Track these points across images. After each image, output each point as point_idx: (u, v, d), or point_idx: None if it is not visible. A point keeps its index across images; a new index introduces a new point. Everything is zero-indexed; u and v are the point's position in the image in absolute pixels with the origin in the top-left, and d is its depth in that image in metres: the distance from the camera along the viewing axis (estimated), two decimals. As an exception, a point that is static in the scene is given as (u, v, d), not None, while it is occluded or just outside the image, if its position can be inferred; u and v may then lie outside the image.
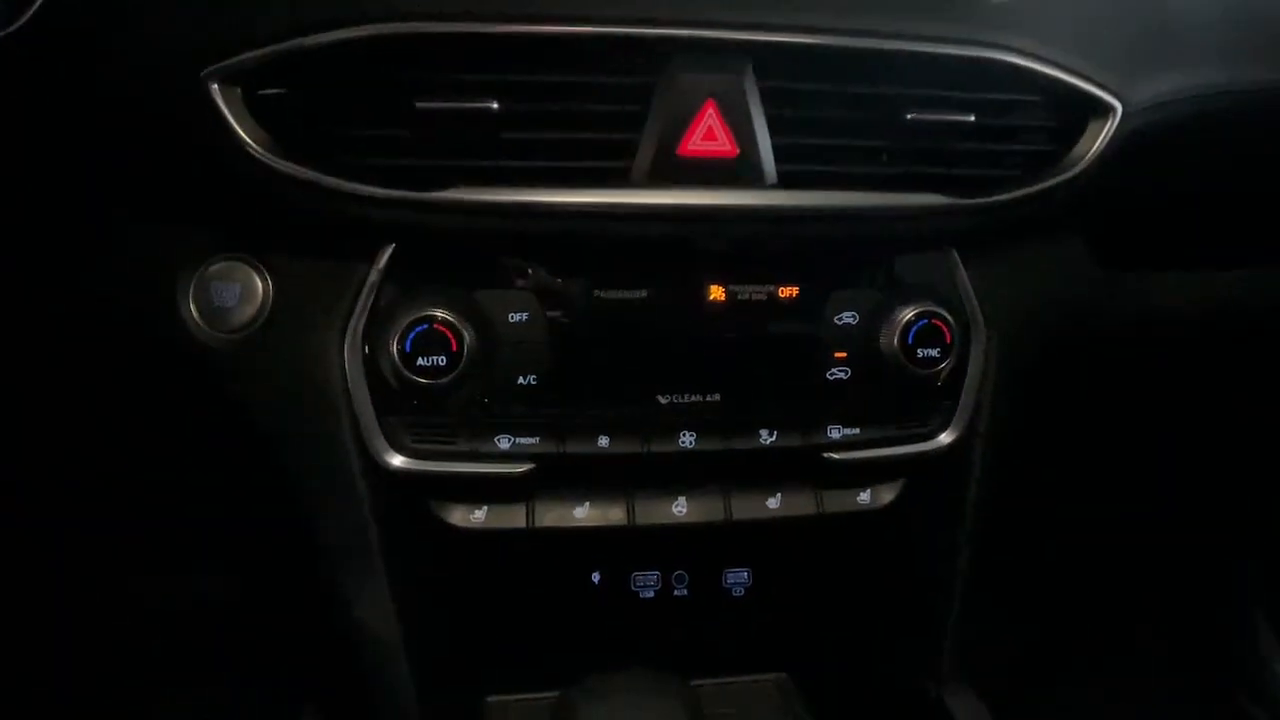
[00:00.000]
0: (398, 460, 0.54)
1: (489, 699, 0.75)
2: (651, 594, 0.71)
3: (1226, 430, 0.95)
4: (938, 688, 0.64)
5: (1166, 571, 1.21)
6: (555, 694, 0.68)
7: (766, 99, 0.47)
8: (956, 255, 0.58)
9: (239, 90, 0.43)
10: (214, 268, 0.52)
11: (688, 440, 0.58)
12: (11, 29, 0.41)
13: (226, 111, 0.43)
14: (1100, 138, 0.51)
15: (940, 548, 0.65)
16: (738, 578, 0.73)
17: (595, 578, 0.70)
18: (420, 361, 0.50)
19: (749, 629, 0.77)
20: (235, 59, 0.42)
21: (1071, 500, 0.96)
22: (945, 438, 0.61)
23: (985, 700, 0.63)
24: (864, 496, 0.64)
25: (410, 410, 0.53)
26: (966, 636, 0.65)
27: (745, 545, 0.71)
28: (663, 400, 0.56)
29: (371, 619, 0.58)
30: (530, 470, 0.56)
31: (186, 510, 0.87)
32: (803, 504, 0.63)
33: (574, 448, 0.56)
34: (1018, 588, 0.94)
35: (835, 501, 0.63)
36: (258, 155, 0.44)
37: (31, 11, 0.41)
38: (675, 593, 0.72)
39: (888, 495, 0.64)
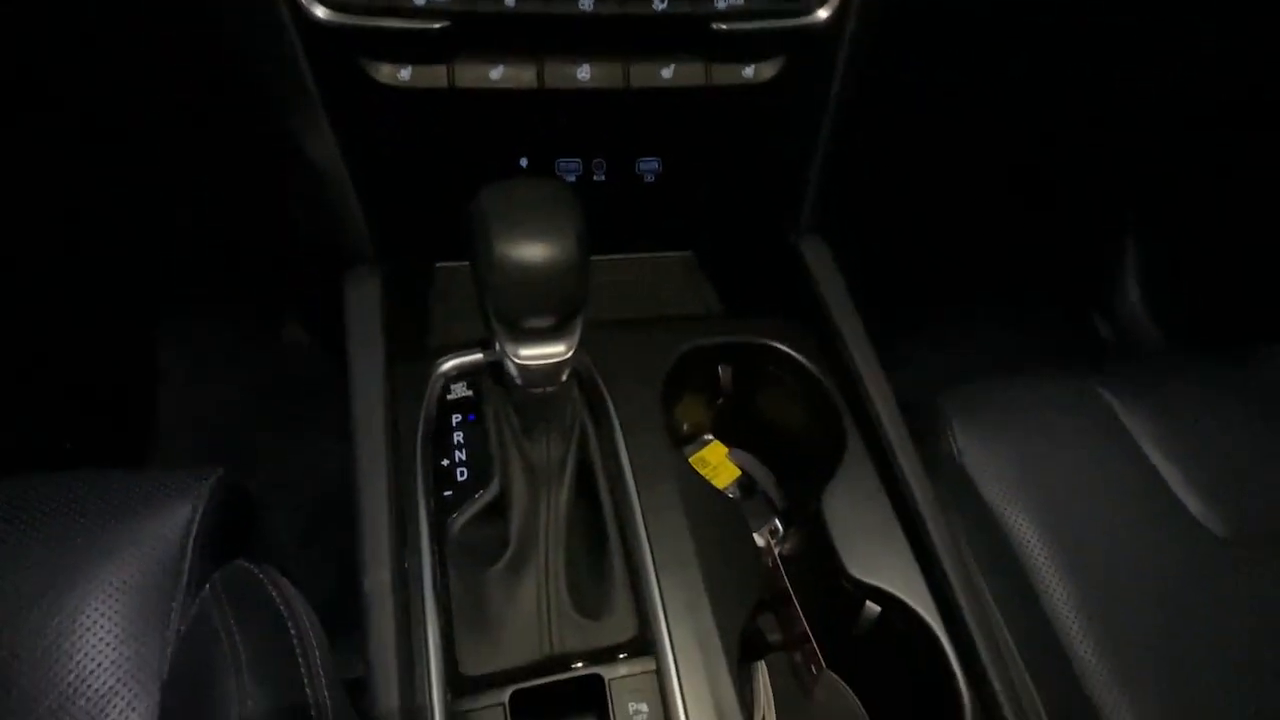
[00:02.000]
0: (322, 11, 0.60)
1: (438, 264, 0.89)
2: (574, 178, 0.82)
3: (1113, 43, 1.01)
4: (797, 238, 0.79)
5: (1032, 186, 1.36)
6: None
7: None
8: None
9: None
10: None
11: (586, 2, 0.65)
12: None
13: None
14: None
15: (810, 120, 0.76)
16: (649, 165, 0.84)
17: (524, 163, 0.80)
18: None
19: (659, 212, 0.90)
20: None
21: (940, 97, 1.05)
22: (823, 13, 0.68)
23: (833, 248, 0.78)
24: (748, 71, 0.72)
25: None
26: (827, 197, 0.79)
27: (654, 136, 0.81)
28: None
29: (323, 170, 0.68)
30: (446, 28, 0.63)
31: (151, 114, 0.93)
32: (693, 75, 0.71)
33: (483, 6, 0.63)
34: (879, 170, 1.07)
35: (723, 74, 0.72)
36: None
37: None
38: (595, 178, 0.83)
39: (769, 71, 0.73)
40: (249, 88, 0.65)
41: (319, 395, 1.33)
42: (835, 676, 0.67)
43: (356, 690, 0.54)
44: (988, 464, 0.76)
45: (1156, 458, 0.81)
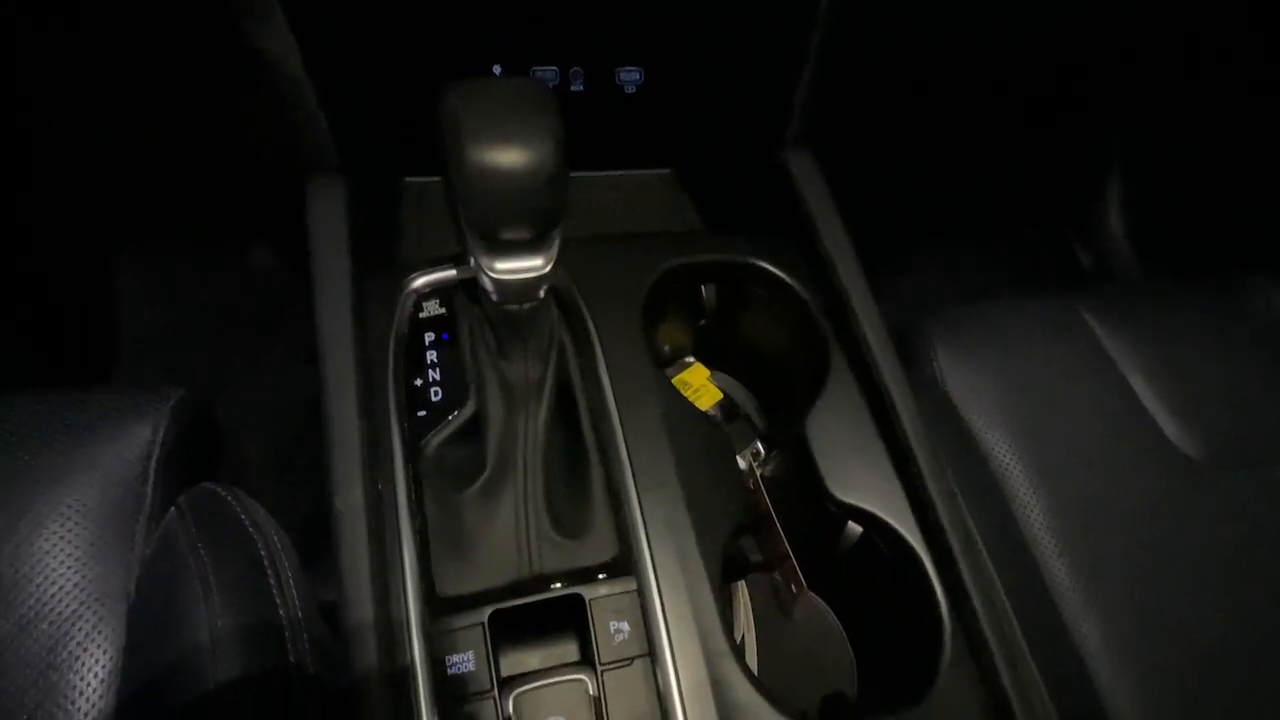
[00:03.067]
0: None
1: (407, 179, 0.85)
2: (550, 87, 0.77)
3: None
4: (784, 152, 0.76)
5: (1020, 105, 1.33)
6: None
7: None
8: None
9: None
10: None
11: None
12: None
13: None
14: None
15: (801, 21, 0.72)
16: (630, 75, 0.80)
17: (497, 70, 0.75)
18: None
19: (639, 126, 0.85)
20: None
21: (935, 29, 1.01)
22: None
23: (821, 162, 0.75)
24: None
25: None
26: (816, 109, 0.75)
27: (637, 41, 0.76)
28: None
29: (280, 69, 0.63)
30: None
31: None
32: None
33: None
34: (868, 83, 1.04)
35: None
36: None
37: None
38: (572, 88, 0.78)
39: None
40: None
41: (287, 319, 1.29)
42: (815, 596, 0.68)
43: (330, 613, 0.53)
44: (970, 388, 0.76)
45: (1136, 381, 0.81)
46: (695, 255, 0.71)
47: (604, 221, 0.84)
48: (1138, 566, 0.70)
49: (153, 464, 0.61)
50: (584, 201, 0.82)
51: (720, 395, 0.77)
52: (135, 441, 0.61)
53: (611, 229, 0.79)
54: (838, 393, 0.65)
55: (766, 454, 0.73)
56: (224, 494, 0.58)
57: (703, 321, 0.75)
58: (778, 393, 0.76)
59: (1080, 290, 0.88)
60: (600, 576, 0.54)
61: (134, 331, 1.24)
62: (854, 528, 0.63)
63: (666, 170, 0.93)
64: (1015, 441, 0.74)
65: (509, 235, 0.51)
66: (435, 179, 0.86)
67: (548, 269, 0.53)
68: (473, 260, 0.53)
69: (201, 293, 1.32)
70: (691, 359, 0.79)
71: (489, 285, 0.54)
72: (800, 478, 0.65)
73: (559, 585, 0.53)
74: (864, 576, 0.65)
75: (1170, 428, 0.79)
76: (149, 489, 0.60)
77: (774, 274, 0.71)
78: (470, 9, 0.67)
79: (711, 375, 0.78)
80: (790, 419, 0.69)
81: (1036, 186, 1.51)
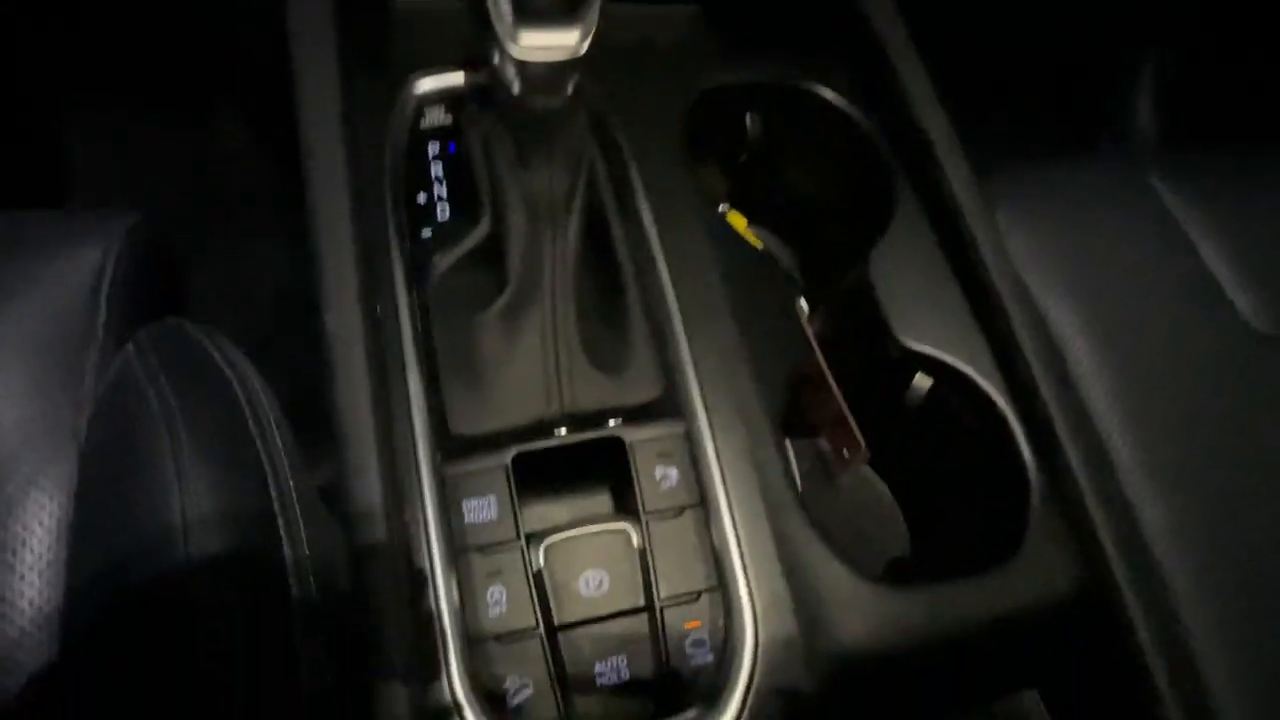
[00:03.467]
0: None
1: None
2: None
3: None
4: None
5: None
6: None
7: None
8: None
9: None
10: None
11: None
12: None
13: None
14: None
15: None
16: None
17: None
18: None
19: None
20: None
21: None
22: None
23: None
24: None
25: None
26: None
27: None
28: None
29: None
30: None
31: None
32: None
33: None
34: None
35: None
36: None
37: None
38: None
39: None
40: None
41: (262, 198, 1.18)
42: (866, 466, 0.61)
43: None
44: (1034, 252, 0.70)
45: (1205, 250, 0.75)
46: (739, 74, 0.61)
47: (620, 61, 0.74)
48: (1201, 444, 0.65)
49: (104, 291, 0.51)
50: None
51: (760, 245, 0.68)
52: (82, 265, 0.52)
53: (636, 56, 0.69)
54: (906, 231, 0.57)
55: (812, 309, 0.65)
56: (192, 330, 0.48)
57: (743, 158, 0.66)
58: (828, 240, 0.67)
59: (1149, 154, 0.81)
60: (642, 419, 0.46)
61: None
62: (923, 379, 0.55)
63: (692, 6, 0.82)
64: (1080, 313, 0.69)
65: None
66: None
67: (582, 48, 0.44)
68: (493, 47, 0.44)
69: (169, 170, 1.20)
70: (725, 205, 0.69)
71: (511, 73, 0.45)
72: (858, 328, 0.57)
73: (593, 426, 0.45)
74: (927, 440, 0.57)
75: (1244, 301, 0.73)
76: (100, 320, 0.51)
77: (830, 100, 0.61)
78: None
79: (750, 225, 0.69)
80: (844, 267, 0.60)
81: (1061, 76, 1.41)
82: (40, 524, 0.44)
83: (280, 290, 1.09)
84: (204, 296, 1.03)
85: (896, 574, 0.56)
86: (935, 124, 0.58)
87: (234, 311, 1.07)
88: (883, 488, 0.61)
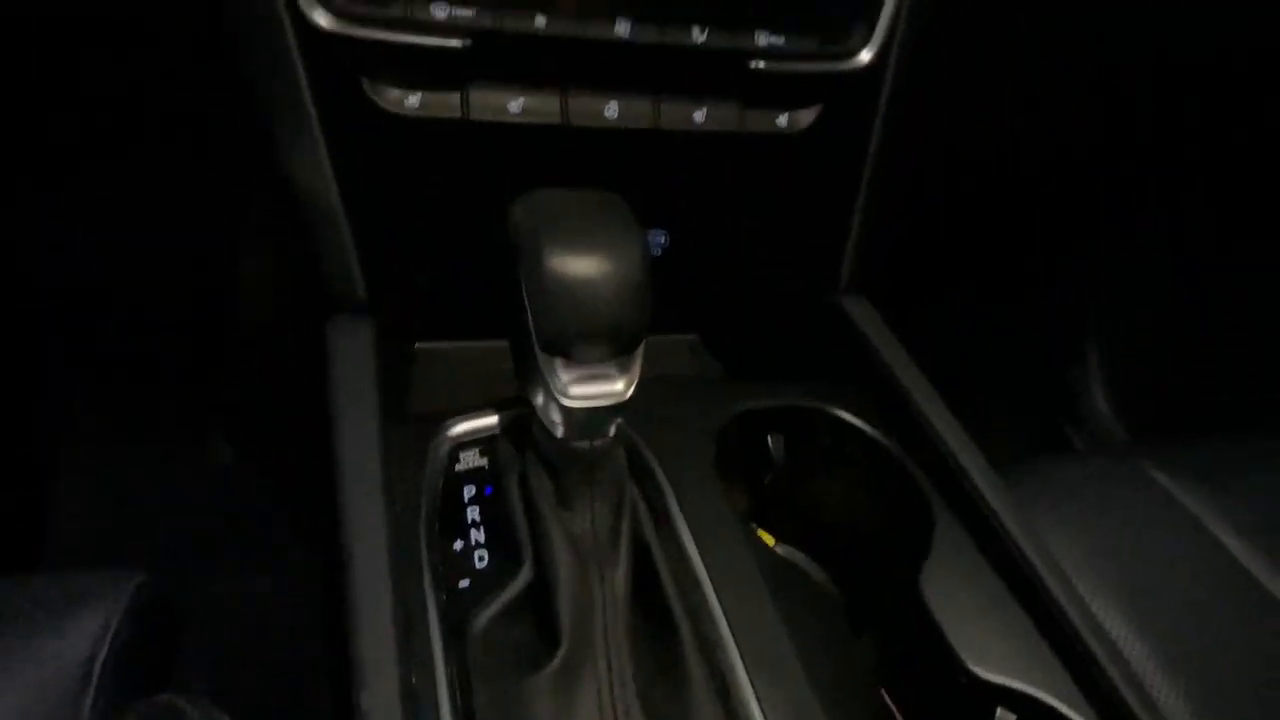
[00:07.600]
0: (323, 18, 0.53)
1: (419, 345, 0.77)
2: None
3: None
4: (837, 296, 0.72)
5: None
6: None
7: None
8: None
9: None
10: None
11: (623, 28, 0.59)
12: None
13: None
14: None
15: (846, 173, 0.71)
16: (655, 239, 0.77)
17: None
18: None
19: (663, 290, 0.82)
20: None
21: (971, 136, 1.03)
22: (865, 55, 0.65)
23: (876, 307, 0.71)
24: (782, 120, 0.68)
25: None
26: (863, 254, 0.73)
27: (667, 201, 0.74)
28: None
29: (314, 200, 0.58)
30: (465, 48, 0.56)
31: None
32: (726, 119, 0.66)
33: (510, 25, 0.56)
34: (912, 213, 1.03)
35: (757, 121, 0.67)
36: None
37: None
38: None
39: (806, 119, 0.68)
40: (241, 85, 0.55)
41: (244, 524, 1.14)
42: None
43: None
44: (1074, 558, 0.69)
45: (1230, 543, 0.76)
46: (764, 400, 0.63)
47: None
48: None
49: (98, 664, 0.46)
50: None
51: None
52: (80, 636, 0.47)
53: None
54: (949, 549, 0.56)
55: (855, 631, 0.61)
56: (186, 707, 0.44)
57: (768, 479, 0.66)
58: (862, 556, 0.65)
59: (1142, 447, 0.85)
60: None
61: (78, 537, 1.07)
62: (1006, 716, 0.50)
63: (690, 336, 0.88)
64: (1134, 616, 0.67)
65: (588, 353, 0.44)
66: (445, 345, 0.79)
67: (629, 395, 0.46)
68: (541, 389, 0.45)
69: (155, 494, 1.17)
70: (753, 525, 0.68)
71: (556, 417, 0.46)
72: (914, 654, 0.53)
73: None
74: None
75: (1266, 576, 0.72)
76: (87, 700, 0.45)
77: (851, 422, 0.64)
78: (511, 155, 0.64)
79: (777, 545, 0.68)
80: (882, 590, 0.58)
81: (1022, 365, 1.52)
82: None
83: (283, 657, 1.00)
84: (203, 657, 0.95)
85: None
86: (956, 439, 0.59)
87: (234, 676, 0.98)
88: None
